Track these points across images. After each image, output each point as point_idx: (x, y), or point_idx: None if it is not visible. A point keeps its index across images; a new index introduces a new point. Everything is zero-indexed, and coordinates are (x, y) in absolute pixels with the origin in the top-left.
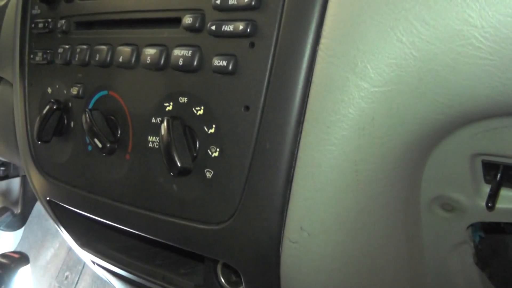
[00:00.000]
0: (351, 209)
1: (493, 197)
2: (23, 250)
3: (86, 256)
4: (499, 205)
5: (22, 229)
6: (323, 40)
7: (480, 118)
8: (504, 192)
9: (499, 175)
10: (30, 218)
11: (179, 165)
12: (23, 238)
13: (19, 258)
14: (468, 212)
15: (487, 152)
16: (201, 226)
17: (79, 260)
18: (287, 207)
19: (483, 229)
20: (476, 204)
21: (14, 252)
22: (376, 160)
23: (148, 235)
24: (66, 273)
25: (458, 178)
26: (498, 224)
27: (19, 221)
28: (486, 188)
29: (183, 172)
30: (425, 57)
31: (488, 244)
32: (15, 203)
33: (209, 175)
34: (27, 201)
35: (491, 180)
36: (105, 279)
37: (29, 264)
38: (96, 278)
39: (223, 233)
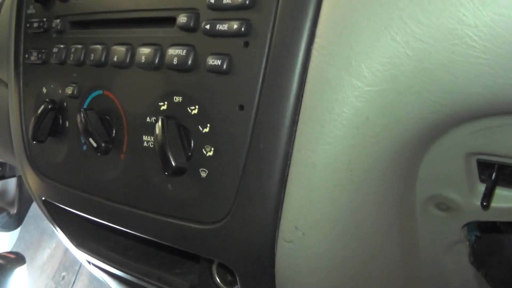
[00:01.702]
0: (345, 208)
1: (488, 196)
2: (20, 250)
3: (82, 256)
4: (494, 204)
5: (18, 230)
6: (317, 40)
7: (474, 117)
8: (499, 191)
9: (494, 175)
10: (26, 219)
11: (173, 164)
12: (19, 239)
13: (15, 259)
14: (463, 211)
15: (482, 151)
16: (196, 226)
17: (76, 261)
18: (282, 207)
19: (479, 228)
20: (471, 203)
21: (10, 252)
22: (370, 159)
23: (143, 235)
24: (63, 274)
25: (453, 178)
26: (494, 223)
27: (16, 221)
28: (481, 187)
29: (178, 171)
30: (419, 56)
31: (484, 243)
32: (11, 204)
33: (203, 174)
34: (24, 201)
35: (486, 180)
36: (101, 279)
37: (25, 265)
38: (93, 278)
39: (218, 233)
